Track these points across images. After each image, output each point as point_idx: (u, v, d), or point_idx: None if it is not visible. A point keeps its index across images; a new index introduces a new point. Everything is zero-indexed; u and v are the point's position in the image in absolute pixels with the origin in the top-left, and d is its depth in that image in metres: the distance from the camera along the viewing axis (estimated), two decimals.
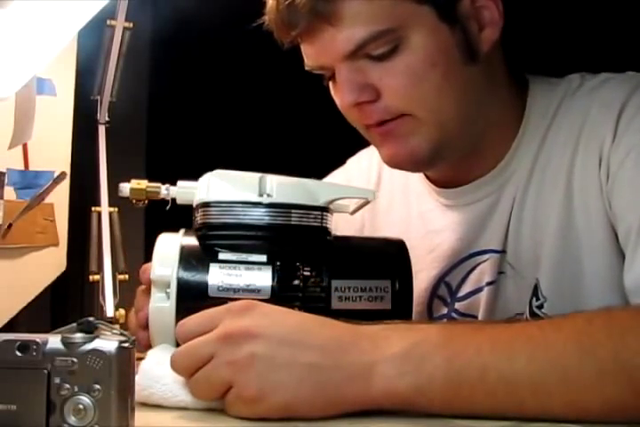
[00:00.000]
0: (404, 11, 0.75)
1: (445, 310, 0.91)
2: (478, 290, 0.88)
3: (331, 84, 0.83)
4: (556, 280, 0.81)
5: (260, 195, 0.68)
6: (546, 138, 0.83)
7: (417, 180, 0.95)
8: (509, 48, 0.84)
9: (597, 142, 0.78)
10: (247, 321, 0.59)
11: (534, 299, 0.83)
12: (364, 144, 0.96)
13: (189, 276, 0.66)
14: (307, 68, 0.82)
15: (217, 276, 0.66)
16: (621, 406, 0.55)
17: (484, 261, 0.87)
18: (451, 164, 0.85)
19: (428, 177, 0.93)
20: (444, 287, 0.90)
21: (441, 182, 0.91)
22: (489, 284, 0.87)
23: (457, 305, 0.90)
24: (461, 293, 0.90)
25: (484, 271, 0.87)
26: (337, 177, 1.05)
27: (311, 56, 0.80)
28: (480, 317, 0.88)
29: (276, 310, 0.61)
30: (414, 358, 0.57)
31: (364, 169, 1.03)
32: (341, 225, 0.88)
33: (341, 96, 0.78)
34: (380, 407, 0.58)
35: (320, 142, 1.07)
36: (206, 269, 0.66)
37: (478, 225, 0.87)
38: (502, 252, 0.85)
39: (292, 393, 0.57)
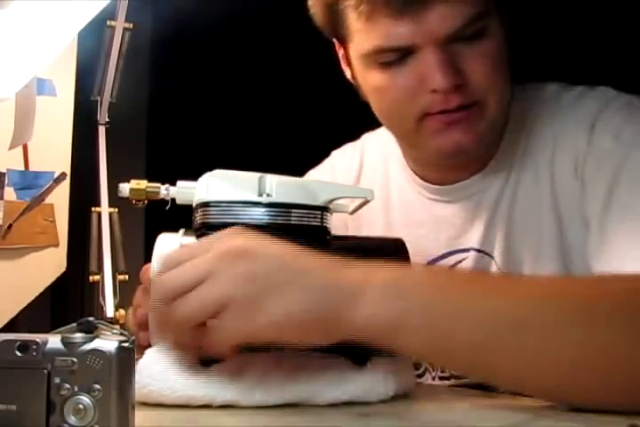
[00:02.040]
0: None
1: None
2: None
3: (383, 68, 0.80)
4: None
5: (260, 195, 0.68)
6: (528, 144, 0.85)
7: (398, 170, 0.95)
8: None
9: (572, 153, 0.81)
10: (244, 241, 0.61)
11: None
12: None
13: None
14: (373, 49, 0.79)
15: None
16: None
17: (464, 259, 0.88)
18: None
19: (413, 171, 0.93)
20: None
21: (427, 179, 0.92)
22: None
23: None
24: None
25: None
26: (323, 167, 1.06)
27: (398, 34, 0.77)
28: None
29: (272, 252, 0.61)
30: (403, 285, 0.59)
31: (347, 158, 1.03)
32: None
33: (436, 78, 0.76)
34: (362, 337, 0.59)
35: (320, 142, 1.07)
36: None
37: (461, 224, 0.88)
38: (484, 252, 0.86)
39: (285, 310, 0.58)
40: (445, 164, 0.87)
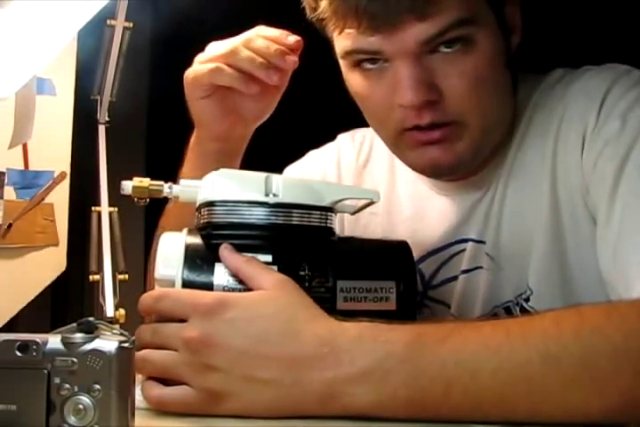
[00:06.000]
0: (478, 6, 0.75)
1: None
2: (453, 278, 0.88)
3: (363, 73, 0.78)
4: (543, 273, 0.81)
5: (267, 194, 0.67)
6: (527, 130, 0.84)
7: (404, 166, 0.95)
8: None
9: (580, 129, 0.78)
10: (209, 328, 0.58)
11: (521, 291, 0.83)
12: None
13: (194, 276, 0.65)
14: (346, 50, 0.77)
15: (222, 276, 0.65)
16: (585, 410, 0.54)
17: (463, 250, 0.87)
18: None
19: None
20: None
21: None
22: (464, 272, 0.87)
23: (430, 293, 0.90)
24: (435, 281, 0.90)
25: (461, 260, 0.87)
26: (327, 150, 1.03)
27: (369, 43, 0.74)
28: (453, 305, 0.88)
29: (242, 314, 0.59)
30: (377, 375, 0.56)
31: (355, 147, 1.01)
32: None
33: (403, 93, 0.74)
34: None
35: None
36: (211, 269, 0.65)
37: (463, 216, 0.88)
38: (481, 242, 0.86)
39: (246, 404, 0.57)
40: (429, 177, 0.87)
